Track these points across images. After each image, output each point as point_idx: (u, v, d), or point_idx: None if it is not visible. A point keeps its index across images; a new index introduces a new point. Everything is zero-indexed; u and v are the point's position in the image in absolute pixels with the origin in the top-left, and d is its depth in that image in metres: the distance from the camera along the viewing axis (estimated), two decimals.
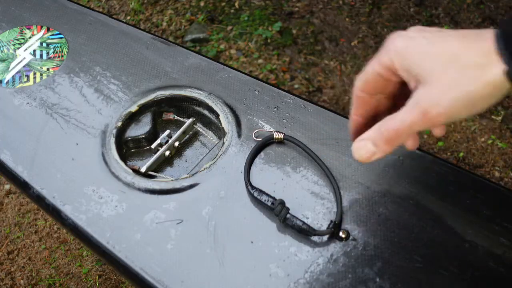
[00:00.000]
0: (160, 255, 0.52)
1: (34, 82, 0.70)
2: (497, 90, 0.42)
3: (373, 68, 0.47)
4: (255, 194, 0.54)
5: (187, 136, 0.65)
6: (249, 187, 0.55)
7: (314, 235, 0.51)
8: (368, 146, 0.46)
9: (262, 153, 0.58)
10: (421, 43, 0.44)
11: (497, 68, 0.40)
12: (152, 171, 0.61)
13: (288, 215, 0.51)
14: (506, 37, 0.40)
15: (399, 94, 0.49)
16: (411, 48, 0.44)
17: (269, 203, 0.53)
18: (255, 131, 0.60)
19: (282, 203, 0.52)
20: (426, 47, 0.44)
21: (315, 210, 0.53)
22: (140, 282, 0.52)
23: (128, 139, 0.64)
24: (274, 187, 0.55)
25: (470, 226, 0.51)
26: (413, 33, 0.45)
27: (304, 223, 0.51)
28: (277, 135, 0.58)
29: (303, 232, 0.51)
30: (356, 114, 0.50)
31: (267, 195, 0.53)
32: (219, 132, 0.64)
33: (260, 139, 0.59)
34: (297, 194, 0.55)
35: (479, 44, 0.42)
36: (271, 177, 0.56)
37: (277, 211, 0.52)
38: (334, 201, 0.53)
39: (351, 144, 0.57)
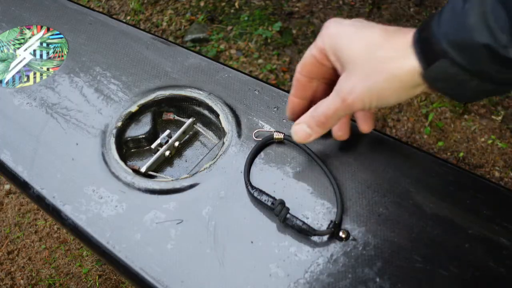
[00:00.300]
0: (160, 255, 0.52)
1: (34, 82, 0.70)
2: (405, 85, 0.45)
3: (310, 52, 0.51)
4: (255, 194, 0.54)
5: (187, 136, 0.65)
6: (249, 187, 0.55)
7: (314, 235, 0.51)
8: (304, 129, 0.52)
9: (262, 153, 0.59)
10: (350, 30, 0.48)
11: (407, 65, 0.43)
12: (152, 171, 0.61)
13: (288, 215, 0.51)
14: (422, 40, 0.42)
15: (334, 80, 0.51)
16: (340, 34, 0.48)
17: (269, 203, 0.53)
18: (255, 131, 0.60)
19: (282, 203, 0.52)
20: (353, 34, 0.47)
21: (315, 210, 0.53)
22: (140, 282, 0.52)
23: (128, 139, 0.64)
24: (274, 187, 0.55)
25: (470, 226, 0.51)
26: (348, 21, 0.49)
27: (304, 223, 0.51)
28: (277, 135, 0.58)
29: (303, 232, 0.51)
30: (294, 95, 0.55)
31: (267, 195, 0.53)
32: (219, 132, 0.64)
33: (260, 139, 0.59)
34: (297, 194, 0.55)
35: (398, 39, 0.44)
36: (271, 177, 0.56)
37: (277, 211, 0.52)
38: (334, 201, 0.53)
39: (350, 145, 0.58)
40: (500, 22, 0.37)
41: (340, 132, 0.55)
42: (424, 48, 0.42)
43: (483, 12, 0.38)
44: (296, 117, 0.55)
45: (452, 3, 0.41)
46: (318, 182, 0.55)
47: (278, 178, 0.56)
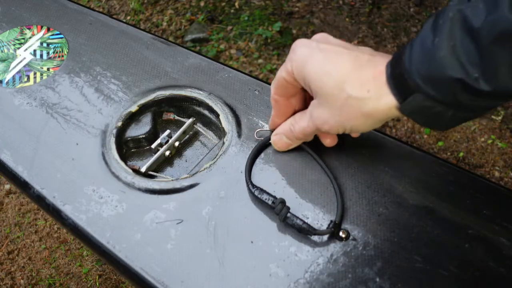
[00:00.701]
0: (160, 255, 0.52)
1: (35, 82, 0.70)
2: (380, 120, 0.46)
3: (281, 74, 0.51)
4: (256, 193, 0.54)
5: (187, 136, 0.65)
6: (250, 186, 0.55)
7: (314, 234, 0.51)
8: (283, 140, 0.56)
9: (262, 153, 0.59)
10: (317, 58, 0.47)
11: (382, 104, 0.44)
12: (152, 171, 0.61)
13: (288, 214, 0.51)
14: (395, 76, 0.43)
15: (309, 97, 0.53)
16: (307, 62, 0.48)
17: (269, 202, 0.53)
18: (257, 130, 0.60)
19: (282, 202, 0.52)
20: (321, 65, 0.47)
21: (315, 210, 0.53)
22: (140, 282, 0.52)
23: (128, 139, 0.64)
24: (274, 186, 0.55)
25: (470, 226, 0.51)
26: (315, 43, 0.49)
27: (304, 222, 0.51)
28: None
29: (303, 232, 0.51)
30: (277, 117, 0.56)
31: (268, 194, 0.53)
32: (219, 132, 0.64)
33: (262, 138, 0.59)
34: (297, 194, 0.55)
35: (369, 74, 0.45)
36: (271, 176, 0.56)
37: (278, 210, 0.52)
38: (334, 201, 0.53)
39: (350, 145, 0.58)
40: (469, 55, 0.38)
41: (328, 140, 0.55)
42: (398, 83, 0.43)
43: (452, 46, 0.38)
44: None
45: (422, 37, 0.41)
46: (318, 182, 0.55)
47: (278, 178, 0.56)
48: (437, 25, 0.40)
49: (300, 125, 0.53)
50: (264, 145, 0.59)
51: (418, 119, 0.44)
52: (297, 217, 0.51)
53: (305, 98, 0.54)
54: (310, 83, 0.48)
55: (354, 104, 0.45)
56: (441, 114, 0.42)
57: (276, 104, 0.54)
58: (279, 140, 0.56)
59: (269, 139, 0.59)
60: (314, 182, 0.55)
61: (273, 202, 0.52)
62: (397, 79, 0.43)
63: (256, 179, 0.56)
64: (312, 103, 0.50)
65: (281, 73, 0.50)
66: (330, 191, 0.54)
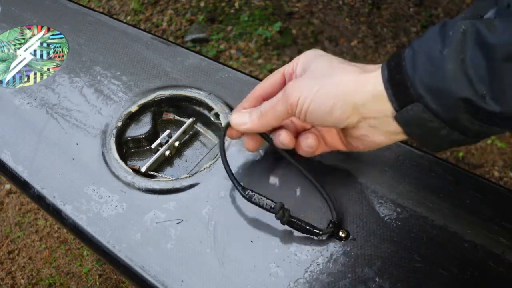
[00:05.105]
0: (160, 254, 0.52)
1: (35, 82, 0.71)
2: (352, 103, 0.44)
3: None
4: (253, 199, 0.53)
5: (187, 136, 0.65)
6: (242, 190, 0.53)
7: (318, 235, 0.50)
8: (244, 118, 0.51)
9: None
10: (312, 88, 0.46)
11: (366, 91, 0.43)
12: (152, 171, 0.61)
13: (290, 218, 0.51)
14: (396, 82, 0.42)
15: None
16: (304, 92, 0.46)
17: (268, 207, 0.52)
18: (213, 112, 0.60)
19: (282, 206, 0.52)
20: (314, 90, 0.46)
21: (311, 211, 0.53)
22: (140, 281, 0.52)
23: (128, 139, 0.64)
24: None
25: (470, 226, 0.51)
26: (306, 79, 0.47)
27: (307, 223, 0.51)
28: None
29: (307, 233, 0.51)
30: (246, 102, 0.53)
31: (266, 198, 0.52)
32: (219, 132, 0.64)
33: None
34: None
35: (362, 67, 0.45)
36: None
37: (280, 215, 0.51)
38: (323, 200, 0.53)
39: None
40: (479, 71, 0.36)
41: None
42: (398, 90, 0.41)
43: (462, 59, 0.37)
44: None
45: (427, 46, 0.40)
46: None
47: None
48: (446, 35, 0.39)
49: (270, 101, 0.50)
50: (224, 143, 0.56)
51: (411, 132, 0.43)
52: (299, 219, 0.51)
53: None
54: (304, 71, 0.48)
55: (337, 75, 0.45)
56: (435, 131, 0.41)
57: (255, 99, 0.53)
58: (239, 116, 0.52)
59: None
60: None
61: (271, 207, 0.52)
62: (398, 85, 0.41)
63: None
64: (290, 82, 0.49)
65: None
66: (317, 192, 0.54)
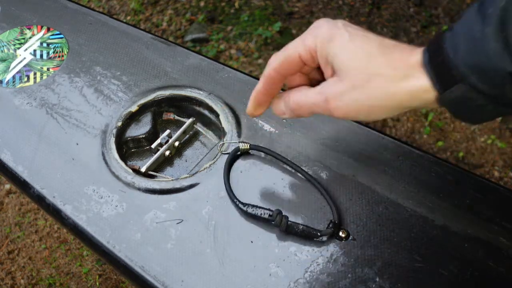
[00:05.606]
0: (160, 254, 0.52)
1: (35, 82, 0.71)
2: (400, 105, 0.43)
3: (296, 49, 0.48)
4: (249, 210, 0.53)
5: (187, 136, 0.65)
6: (239, 204, 0.53)
7: (318, 237, 0.50)
8: (281, 106, 0.50)
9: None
10: (344, 35, 0.45)
11: (408, 86, 0.42)
12: (152, 171, 0.61)
13: (289, 223, 0.51)
14: (436, 64, 0.41)
15: (312, 79, 0.50)
16: (333, 38, 0.45)
17: (266, 216, 0.52)
18: (220, 143, 0.60)
19: (280, 213, 0.51)
20: (348, 41, 0.45)
21: (308, 212, 0.53)
22: (140, 281, 0.52)
23: (128, 139, 0.64)
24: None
25: (470, 226, 0.51)
26: (340, 24, 0.46)
27: (307, 227, 0.51)
28: (243, 146, 0.58)
29: (308, 236, 0.51)
30: (262, 93, 0.51)
31: (262, 208, 0.52)
32: (219, 132, 0.64)
33: (229, 152, 0.58)
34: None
35: (397, 56, 0.43)
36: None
37: (277, 222, 0.51)
38: (324, 201, 0.53)
39: (351, 145, 0.58)
40: None
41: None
42: (440, 72, 0.41)
43: (504, 37, 0.37)
44: (257, 113, 0.52)
45: (466, 25, 0.39)
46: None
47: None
48: (485, 14, 0.38)
49: (301, 93, 0.48)
50: (234, 157, 0.58)
51: (456, 110, 0.42)
52: (298, 224, 0.51)
53: (302, 78, 0.52)
54: (333, 59, 0.45)
55: (378, 81, 0.43)
56: (481, 108, 0.41)
57: (270, 80, 0.50)
58: (277, 104, 0.51)
59: (238, 151, 0.58)
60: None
61: (269, 215, 0.52)
62: (439, 68, 0.41)
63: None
64: (327, 80, 0.47)
65: (296, 48, 0.48)
66: (317, 192, 0.54)
